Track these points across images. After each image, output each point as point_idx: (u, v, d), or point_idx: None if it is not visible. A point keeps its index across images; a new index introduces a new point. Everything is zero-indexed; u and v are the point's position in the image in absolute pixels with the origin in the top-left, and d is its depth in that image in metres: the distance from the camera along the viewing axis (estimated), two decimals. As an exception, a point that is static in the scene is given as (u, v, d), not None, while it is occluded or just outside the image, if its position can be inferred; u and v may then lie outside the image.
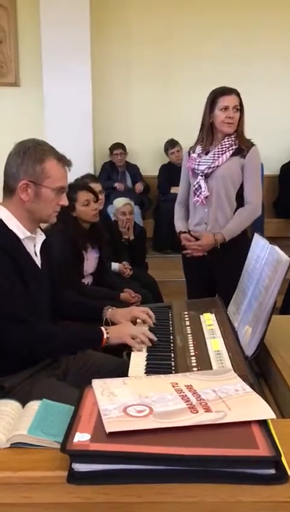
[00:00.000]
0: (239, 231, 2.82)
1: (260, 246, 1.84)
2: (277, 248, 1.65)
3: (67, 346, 1.81)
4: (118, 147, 5.85)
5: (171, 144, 5.84)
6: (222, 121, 2.77)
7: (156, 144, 5.98)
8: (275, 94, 5.95)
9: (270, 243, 1.74)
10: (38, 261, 1.82)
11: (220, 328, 1.85)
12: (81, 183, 3.15)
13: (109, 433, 1.02)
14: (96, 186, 3.36)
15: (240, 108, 2.77)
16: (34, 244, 1.82)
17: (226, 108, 2.75)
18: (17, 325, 1.66)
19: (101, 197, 3.50)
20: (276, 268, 1.57)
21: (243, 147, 2.79)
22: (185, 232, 2.98)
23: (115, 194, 5.42)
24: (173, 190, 5.70)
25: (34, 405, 1.19)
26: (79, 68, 5.40)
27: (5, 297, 1.65)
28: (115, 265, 3.79)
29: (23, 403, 1.22)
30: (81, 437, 1.02)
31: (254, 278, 1.78)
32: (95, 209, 3.07)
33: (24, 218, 1.75)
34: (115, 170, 5.88)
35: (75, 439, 1.01)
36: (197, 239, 2.88)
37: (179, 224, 3.05)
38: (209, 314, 1.98)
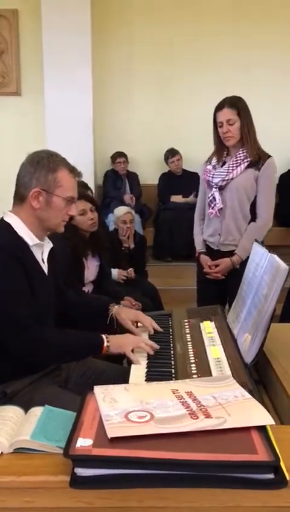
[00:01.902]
0: None
1: (259, 254, 1.86)
2: (275, 256, 1.67)
3: (68, 353, 1.83)
4: (121, 155, 5.89)
5: (172, 153, 5.88)
6: (221, 136, 2.80)
7: (156, 153, 6.02)
8: (275, 103, 5.99)
9: (269, 252, 1.76)
10: (45, 267, 1.85)
11: (219, 335, 1.86)
12: (79, 193, 3.14)
13: (111, 438, 1.03)
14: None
15: (241, 118, 2.75)
16: (41, 251, 1.85)
17: (221, 124, 2.77)
18: (20, 330, 1.68)
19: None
20: (275, 277, 1.59)
21: (258, 159, 2.77)
22: (204, 253, 3.00)
23: (115, 202, 5.45)
24: (173, 199, 5.75)
25: (37, 411, 1.21)
26: (80, 78, 5.44)
27: (11, 302, 1.68)
28: (114, 272, 3.82)
29: (25, 409, 1.24)
30: (83, 442, 1.03)
31: (253, 286, 1.79)
32: (91, 218, 3.07)
33: (33, 226, 1.79)
34: (119, 178, 5.92)
35: (78, 444, 1.03)
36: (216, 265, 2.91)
37: (198, 242, 3.07)
38: (209, 322, 2.00)
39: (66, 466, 1.02)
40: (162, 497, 1.03)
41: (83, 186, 3.52)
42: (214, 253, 2.95)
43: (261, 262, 1.78)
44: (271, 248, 1.79)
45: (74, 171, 1.82)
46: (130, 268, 3.99)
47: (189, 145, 5.91)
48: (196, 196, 5.70)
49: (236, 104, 2.77)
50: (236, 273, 2.83)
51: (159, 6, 5.91)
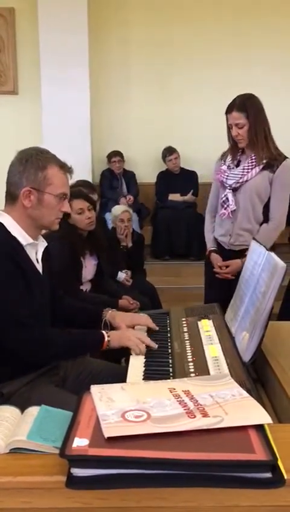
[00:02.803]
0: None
1: (257, 252, 1.85)
2: (273, 254, 1.67)
3: (69, 350, 1.83)
4: (116, 154, 5.89)
5: (169, 151, 5.87)
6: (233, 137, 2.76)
7: (154, 151, 6.02)
8: (275, 102, 5.96)
9: (267, 250, 1.75)
10: (39, 267, 1.84)
11: (217, 334, 1.86)
12: (77, 191, 3.14)
13: (108, 438, 1.03)
14: (93, 197, 3.37)
15: (249, 121, 2.66)
16: (35, 251, 1.84)
17: (231, 126, 2.72)
18: (19, 329, 1.68)
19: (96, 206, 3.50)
20: (273, 275, 1.58)
21: (273, 161, 2.72)
22: (215, 251, 2.97)
23: (112, 203, 5.45)
24: (171, 197, 5.74)
25: (33, 411, 1.20)
26: (77, 76, 5.44)
27: (9, 301, 1.67)
28: (121, 275, 3.83)
29: (22, 409, 1.23)
30: (80, 442, 1.03)
31: (251, 285, 1.79)
32: (89, 217, 3.06)
33: (27, 225, 1.77)
34: (114, 177, 5.92)
35: (74, 444, 1.02)
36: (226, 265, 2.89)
37: (209, 239, 3.03)
38: (206, 320, 2.00)
39: (63, 466, 1.01)
40: (159, 497, 1.02)
41: (88, 187, 3.51)
42: (226, 252, 2.91)
43: (259, 260, 1.77)
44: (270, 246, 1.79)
45: (64, 167, 1.80)
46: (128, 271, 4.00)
47: (187, 143, 5.91)
48: (194, 194, 5.75)
49: (245, 106, 2.68)
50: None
51: (157, 4, 5.91)
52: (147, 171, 6.09)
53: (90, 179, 5.40)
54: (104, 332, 1.83)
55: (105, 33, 5.89)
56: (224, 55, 5.91)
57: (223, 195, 2.84)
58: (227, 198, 2.81)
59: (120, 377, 1.68)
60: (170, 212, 5.59)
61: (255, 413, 1.13)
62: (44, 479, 1.02)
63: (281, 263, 1.57)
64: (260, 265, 1.75)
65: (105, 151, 5.97)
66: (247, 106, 2.68)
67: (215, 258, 2.94)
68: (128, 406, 1.15)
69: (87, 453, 1.00)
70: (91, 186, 3.67)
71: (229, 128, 2.77)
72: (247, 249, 2.76)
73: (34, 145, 1.86)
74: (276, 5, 5.87)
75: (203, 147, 5.52)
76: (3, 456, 1.07)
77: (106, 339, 1.80)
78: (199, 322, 1.98)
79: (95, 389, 1.25)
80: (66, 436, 1.05)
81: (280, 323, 2.14)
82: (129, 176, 6.00)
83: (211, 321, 1.99)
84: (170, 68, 6.03)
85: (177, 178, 5.86)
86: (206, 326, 1.94)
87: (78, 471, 0.99)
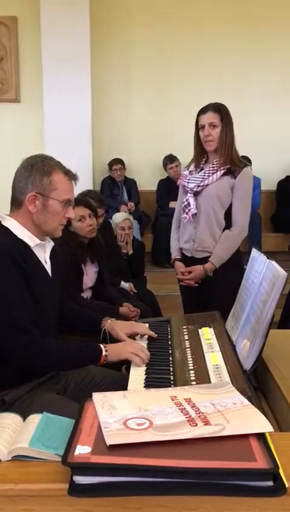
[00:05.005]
0: (228, 256, 2.80)
1: (258, 261, 1.86)
2: (274, 263, 1.67)
3: (65, 362, 1.82)
4: (117, 162, 5.92)
5: (170, 159, 5.90)
6: (202, 140, 2.80)
7: (155, 159, 6.04)
8: (274, 109, 6.01)
9: (268, 258, 1.76)
10: (48, 267, 1.85)
11: (218, 342, 1.86)
12: (78, 199, 3.14)
13: (110, 445, 1.03)
14: (100, 211, 3.38)
15: (222, 124, 2.74)
16: (44, 251, 1.85)
17: (203, 127, 2.77)
18: (19, 334, 1.67)
19: (100, 220, 3.51)
20: (273, 283, 1.59)
21: (235, 167, 2.76)
22: (179, 259, 3.00)
23: (112, 211, 5.46)
24: (172, 205, 5.73)
25: (35, 418, 1.20)
26: (79, 84, 5.48)
27: (12, 307, 1.67)
28: (124, 284, 3.84)
29: (24, 417, 1.23)
30: (82, 450, 1.03)
31: (252, 293, 1.80)
32: (90, 225, 3.07)
33: (32, 229, 1.79)
34: (115, 185, 5.94)
35: (76, 452, 1.02)
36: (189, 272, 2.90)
37: (173, 248, 3.09)
38: (207, 328, 2.00)
39: (65, 474, 1.01)
40: (161, 504, 1.03)
41: (98, 201, 3.51)
42: (188, 260, 2.94)
43: (260, 269, 1.78)
44: (269, 254, 1.79)
45: (68, 174, 1.82)
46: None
47: (188, 151, 5.90)
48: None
49: (220, 109, 2.78)
50: (210, 282, 2.83)
51: (159, 11, 5.95)
52: (147, 179, 6.12)
53: (91, 187, 5.43)
54: (102, 347, 1.80)
55: (107, 41, 5.93)
56: (225, 62, 5.95)
57: (184, 200, 2.90)
58: (189, 203, 2.85)
59: (121, 384, 1.68)
60: (171, 219, 5.57)
61: (256, 422, 1.13)
62: (46, 486, 1.02)
63: (282, 272, 1.57)
64: (260, 273, 1.76)
65: (106, 158, 6.00)
66: (221, 110, 2.78)
67: (178, 265, 2.98)
68: (130, 413, 1.15)
69: (89, 460, 1.00)
70: (100, 200, 3.65)
71: (197, 132, 2.82)
72: (209, 257, 2.82)
73: (36, 153, 1.88)
74: (277, 11, 5.91)
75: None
76: (5, 464, 1.08)
77: (104, 353, 1.78)
78: (199, 330, 1.99)
79: (96, 396, 1.25)
80: (68, 443, 1.05)
81: (281, 331, 2.15)
82: (130, 184, 6.02)
83: (211, 329, 1.99)
84: (172, 76, 6.07)
85: (178, 186, 5.88)
86: (207, 334, 1.94)
87: (80, 479, 0.99)
